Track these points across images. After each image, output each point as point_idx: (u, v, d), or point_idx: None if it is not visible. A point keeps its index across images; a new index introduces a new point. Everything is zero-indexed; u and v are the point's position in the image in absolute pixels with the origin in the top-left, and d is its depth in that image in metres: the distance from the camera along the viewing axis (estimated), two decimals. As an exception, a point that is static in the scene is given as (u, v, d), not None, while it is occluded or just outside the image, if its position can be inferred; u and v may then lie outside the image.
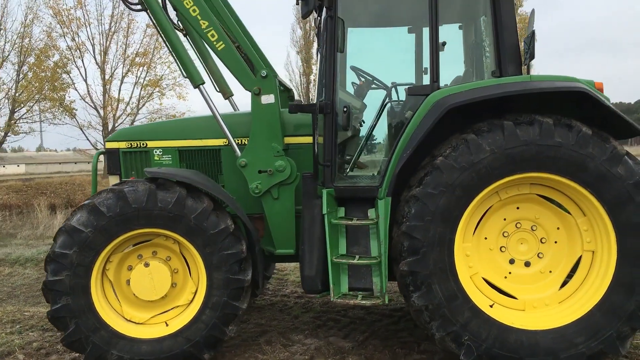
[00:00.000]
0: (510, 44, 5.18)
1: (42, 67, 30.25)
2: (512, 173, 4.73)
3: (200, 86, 5.71)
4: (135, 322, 5.24)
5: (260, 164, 5.60)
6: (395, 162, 5.01)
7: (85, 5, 32.87)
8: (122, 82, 33.64)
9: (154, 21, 5.73)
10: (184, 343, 5.11)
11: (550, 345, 4.69)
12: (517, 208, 5.08)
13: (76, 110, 32.11)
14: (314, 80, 40.39)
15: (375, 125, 5.87)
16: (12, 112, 29.76)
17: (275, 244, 5.71)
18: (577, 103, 4.86)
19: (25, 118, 30.93)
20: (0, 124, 29.92)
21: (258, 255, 5.30)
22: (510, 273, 5.09)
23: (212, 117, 5.80)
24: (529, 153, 4.65)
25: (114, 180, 6.04)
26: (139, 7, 5.76)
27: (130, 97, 34.13)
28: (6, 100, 29.77)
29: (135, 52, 33.08)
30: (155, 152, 6.04)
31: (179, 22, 6.22)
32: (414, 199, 4.79)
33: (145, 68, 33.23)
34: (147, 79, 33.46)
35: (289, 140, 5.80)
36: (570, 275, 5.03)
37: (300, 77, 41.14)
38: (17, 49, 29.59)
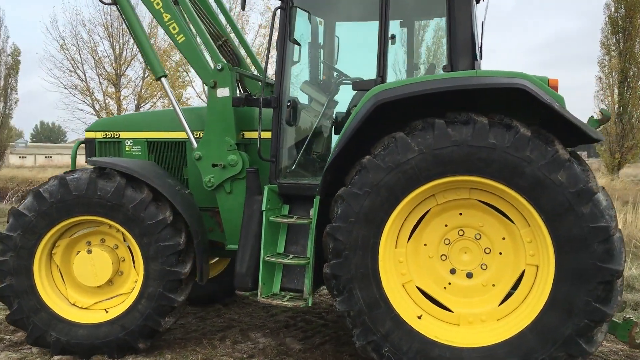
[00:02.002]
0: (462, 38, 4.79)
1: (165, 66, 32.09)
2: (442, 175, 4.35)
3: (162, 78, 5.76)
4: (79, 307, 5.37)
5: (214, 158, 5.55)
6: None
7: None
8: None
9: (122, 15, 5.85)
10: (119, 331, 5.17)
11: None
12: (460, 214, 4.68)
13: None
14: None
15: (321, 121, 5.63)
16: (137, 107, 32.05)
17: (226, 238, 5.65)
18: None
19: (147, 114, 33.33)
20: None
21: (198, 248, 5.25)
22: (450, 284, 4.70)
23: (191, 110, 5.84)
24: (459, 154, 4.27)
25: None
26: (109, 1, 5.90)
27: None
28: (132, 97, 32.49)
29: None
30: (127, 142, 6.16)
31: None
32: (340, 199, 4.55)
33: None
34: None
35: (250, 135, 5.71)
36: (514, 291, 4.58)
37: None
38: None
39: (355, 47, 6.27)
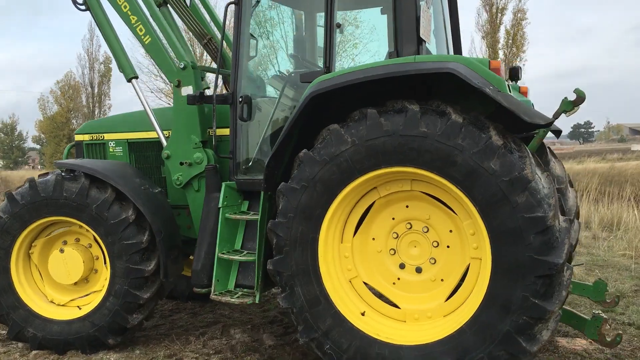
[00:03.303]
0: (406, 24, 4.59)
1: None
2: (376, 167, 4.20)
3: (133, 80, 5.88)
4: (56, 304, 5.59)
5: (181, 156, 5.61)
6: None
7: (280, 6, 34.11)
8: None
9: (95, 19, 6.01)
10: (90, 327, 5.34)
11: None
12: (407, 207, 4.50)
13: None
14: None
15: (279, 115, 5.53)
16: None
17: (197, 235, 5.69)
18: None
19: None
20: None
21: (161, 245, 5.31)
22: (399, 279, 4.54)
23: (157, 110, 5.94)
24: (391, 145, 4.10)
25: None
26: (83, 7, 6.07)
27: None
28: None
29: None
30: (110, 144, 6.34)
31: None
32: (280, 194, 4.49)
33: None
34: None
35: (220, 132, 5.71)
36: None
37: None
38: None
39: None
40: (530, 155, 3.96)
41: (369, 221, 4.58)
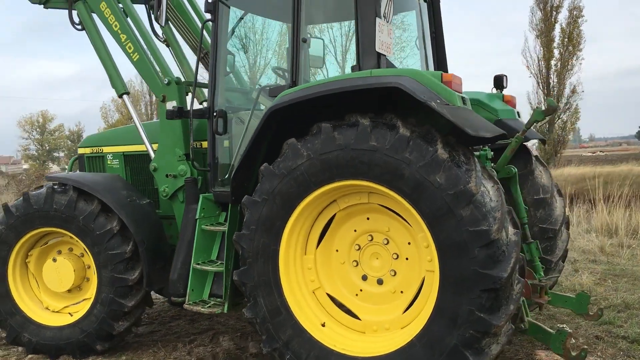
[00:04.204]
0: (367, 39, 4.62)
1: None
2: (331, 180, 4.26)
3: (124, 96, 6.13)
4: (51, 310, 5.87)
5: (167, 169, 5.82)
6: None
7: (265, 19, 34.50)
8: None
9: (89, 37, 6.29)
10: (79, 333, 5.59)
11: None
12: (368, 219, 4.55)
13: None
14: (555, 66, 37.94)
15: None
16: None
17: None
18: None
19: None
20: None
21: (144, 255, 5.50)
22: (361, 290, 4.58)
23: (150, 124, 6.18)
24: (343, 158, 4.16)
25: None
26: (80, 26, 6.37)
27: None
28: None
29: None
30: (108, 157, 6.61)
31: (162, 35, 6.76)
32: (245, 207, 4.61)
33: None
34: None
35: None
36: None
37: (539, 62, 38.84)
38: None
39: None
40: (479, 169, 3.95)
41: (332, 233, 4.64)
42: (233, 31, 5.81)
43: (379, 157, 4.02)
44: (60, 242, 5.90)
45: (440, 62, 5.99)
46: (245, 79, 6.25)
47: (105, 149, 6.66)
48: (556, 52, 39.09)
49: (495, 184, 4.02)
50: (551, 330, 4.44)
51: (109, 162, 6.61)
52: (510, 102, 5.67)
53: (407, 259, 4.40)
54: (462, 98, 4.23)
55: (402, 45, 6.13)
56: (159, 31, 6.76)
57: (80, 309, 5.75)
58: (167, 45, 6.91)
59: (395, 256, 4.43)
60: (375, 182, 4.10)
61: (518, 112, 5.86)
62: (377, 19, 4.52)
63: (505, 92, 5.97)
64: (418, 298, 4.31)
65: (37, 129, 78.34)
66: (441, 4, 5.88)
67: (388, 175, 4.02)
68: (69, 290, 5.85)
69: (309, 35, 5.71)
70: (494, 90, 5.95)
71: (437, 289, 3.95)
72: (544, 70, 39.17)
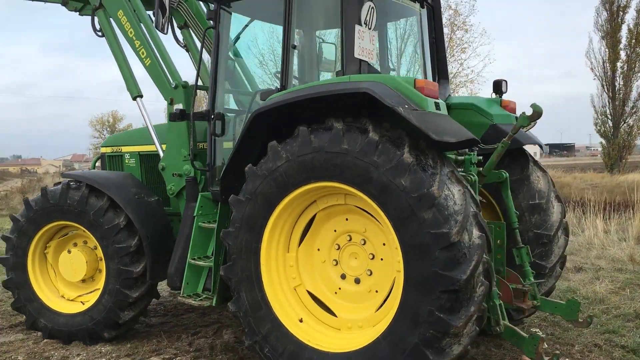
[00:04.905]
0: (350, 46, 4.77)
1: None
2: (307, 182, 4.44)
3: (137, 98, 6.49)
4: (66, 299, 6.29)
5: (174, 168, 6.13)
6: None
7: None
8: None
9: (109, 44, 6.69)
10: (89, 320, 5.97)
11: None
12: (347, 219, 4.70)
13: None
14: (621, 68, 36.58)
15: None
16: None
17: None
18: None
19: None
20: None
21: (148, 249, 5.82)
22: (340, 289, 4.74)
23: (162, 126, 6.53)
24: (318, 160, 4.34)
25: None
26: (100, 33, 6.78)
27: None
28: None
29: None
30: (126, 156, 7.00)
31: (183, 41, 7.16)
32: (231, 206, 4.84)
33: None
34: None
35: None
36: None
37: (604, 64, 37.78)
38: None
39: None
40: (445, 173, 4.04)
41: (313, 233, 4.82)
42: (238, 38, 6.07)
43: (350, 160, 4.18)
44: (76, 235, 6.31)
45: (440, 67, 6.07)
46: (245, 82, 6.48)
47: (124, 149, 7.04)
48: (622, 54, 37.83)
49: (463, 187, 4.10)
50: (525, 335, 4.46)
51: (126, 161, 6.99)
52: (507, 106, 5.68)
53: (381, 259, 4.53)
54: (436, 103, 4.33)
55: (401, 52, 6.23)
56: (179, 36, 7.14)
57: (92, 299, 6.13)
58: (187, 50, 7.27)
59: (371, 256, 4.57)
60: (347, 184, 4.25)
61: (516, 117, 5.85)
62: (357, 26, 4.66)
63: (505, 96, 5.97)
64: (389, 297, 4.43)
65: (108, 128, 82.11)
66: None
67: (358, 177, 4.17)
68: (83, 281, 6.25)
69: (319, 40, 5.91)
70: (493, 95, 5.96)
71: (402, 289, 4.07)
72: (609, 73, 37.98)
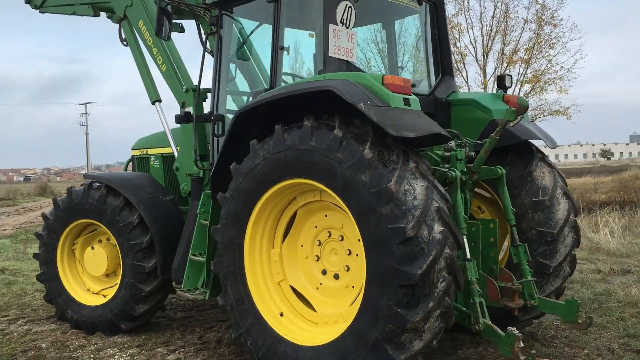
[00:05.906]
0: (327, 43, 4.84)
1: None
2: (282, 179, 4.56)
3: (156, 103, 6.84)
4: (91, 292, 6.72)
5: (186, 168, 6.42)
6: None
7: (468, 11, 29.61)
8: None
9: (132, 52, 7.10)
10: (108, 312, 6.35)
11: None
12: (326, 216, 4.78)
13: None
14: None
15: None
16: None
17: None
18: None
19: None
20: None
21: (159, 246, 6.12)
22: (321, 284, 4.81)
23: (180, 128, 6.87)
24: (290, 158, 4.45)
25: None
26: (125, 42, 7.20)
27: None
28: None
29: (513, 50, 29.42)
30: (151, 158, 7.38)
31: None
32: (219, 203, 5.04)
33: (523, 64, 29.53)
34: (526, 75, 29.59)
35: None
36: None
37: None
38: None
39: None
40: (408, 168, 4.03)
41: (296, 229, 4.92)
42: (244, 42, 6.28)
43: (317, 156, 4.26)
44: (100, 232, 6.72)
45: (444, 64, 6.00)
46: (246, 84, 6.67)
47: (150, 151, 7.42)
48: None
49: (428, 182, 4.08)
50: (502, 333, 4.36)
51: (152, 163, 7.37)
52: (510, 102, 5.55)
53: (357, 255, 4.56)
54: (405, 99, 4.32)
55: (403, 49, 6.22)
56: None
57: (112, 292, 6.51)
58: (213, 56, 7.56)
59: (348, 252, 4.62)
60: (316, 180, 4.33)
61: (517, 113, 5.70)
62: (332, 25, 4.73)
63: (509, 92, 5.83)
64: (361, 293, 4.45)
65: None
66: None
67: (324, 174, 4.24)
68: (107, 275, 6.65)
69: (309, 39, 6.02)
70: (497, 90, 5.84)
71: (364, 283, 4.10)
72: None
